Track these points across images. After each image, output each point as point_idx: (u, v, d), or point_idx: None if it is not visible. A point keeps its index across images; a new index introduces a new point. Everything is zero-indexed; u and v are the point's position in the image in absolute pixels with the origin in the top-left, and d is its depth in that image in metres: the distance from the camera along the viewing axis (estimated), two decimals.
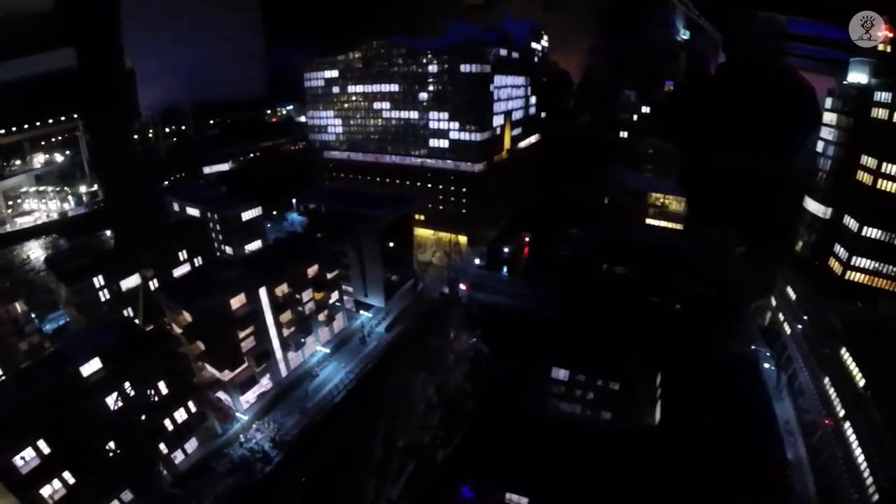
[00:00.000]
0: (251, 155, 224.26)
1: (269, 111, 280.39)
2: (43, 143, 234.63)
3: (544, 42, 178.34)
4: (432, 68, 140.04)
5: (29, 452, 69.97)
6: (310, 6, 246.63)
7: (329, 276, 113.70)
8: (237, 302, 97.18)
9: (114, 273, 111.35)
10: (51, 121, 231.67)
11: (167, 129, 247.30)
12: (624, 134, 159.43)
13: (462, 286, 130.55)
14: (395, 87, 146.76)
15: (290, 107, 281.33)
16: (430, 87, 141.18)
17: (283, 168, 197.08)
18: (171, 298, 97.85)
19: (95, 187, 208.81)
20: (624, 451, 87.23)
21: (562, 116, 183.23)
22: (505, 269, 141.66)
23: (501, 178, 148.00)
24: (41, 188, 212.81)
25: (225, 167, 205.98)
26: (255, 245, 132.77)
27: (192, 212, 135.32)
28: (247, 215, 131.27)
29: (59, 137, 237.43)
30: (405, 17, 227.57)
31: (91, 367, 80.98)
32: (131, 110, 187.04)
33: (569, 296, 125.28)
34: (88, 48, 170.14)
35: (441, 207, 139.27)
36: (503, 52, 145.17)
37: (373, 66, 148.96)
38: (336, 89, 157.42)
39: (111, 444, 79.74)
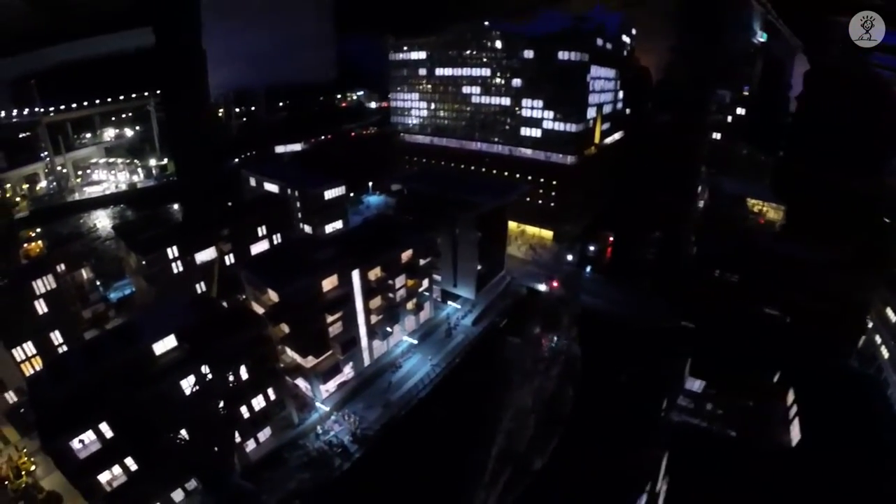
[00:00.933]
0: (322, 137, 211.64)
1: (338, 96, 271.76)
2: (113, 118, 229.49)
3: (632, 36, 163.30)
4: (528, 54, 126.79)
5: (89, 435, 61.03)
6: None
7: (422, 262, 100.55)
8: (329, 284, 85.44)
9: (189, 245, 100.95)
10: (122, 97, 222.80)
11: (237, 110, 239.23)
12: (717, 136, 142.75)
13: (554, 283, 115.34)
14: (486, 72, 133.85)
15: (361, 92, 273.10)
16: (525, 74, 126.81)
17: (356, 151, 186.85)
18: (256, 276, 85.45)
19: (165, 161, 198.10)
20: (760, 471, 74.51)
21: (643, 114, 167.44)
22: (588, 269, 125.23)
23: (590, 173, 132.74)
24: (111, 160, 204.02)
25: (297, 147, 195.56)
26: (336, 225, 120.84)
27: (271, 188, 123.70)
28: (329, 194, 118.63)
29: (129, 113, 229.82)
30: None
31: (166, 344, 69.97)
32: (204, 89, 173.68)
33: (686, 304, 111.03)
34: (168, 28, 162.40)
35: (528, 199, 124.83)
36: (599, 41, 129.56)
37: (464, 49, 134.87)
38: (423, 72, 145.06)
39: (182, 431, 69.24)
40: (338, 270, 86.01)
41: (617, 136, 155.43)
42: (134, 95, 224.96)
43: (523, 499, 77.55)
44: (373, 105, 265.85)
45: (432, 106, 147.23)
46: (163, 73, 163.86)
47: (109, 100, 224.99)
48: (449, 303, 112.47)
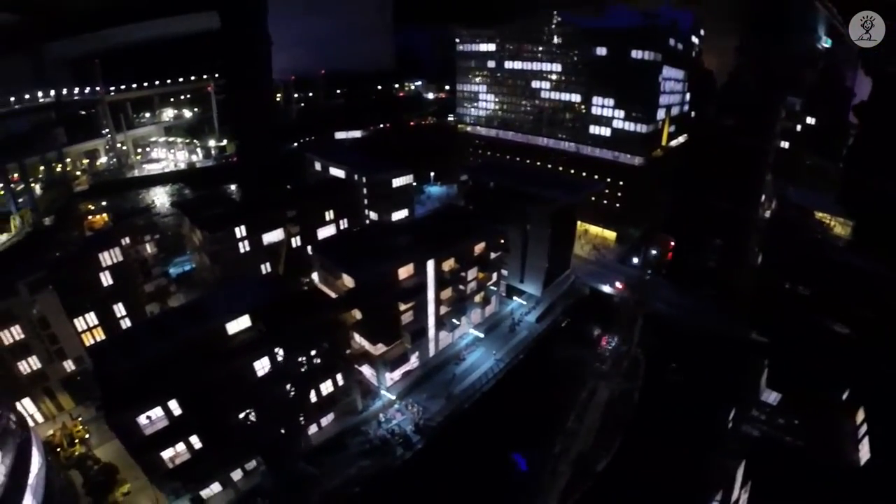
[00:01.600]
0: (381, 125, 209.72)
1: (395, 85, 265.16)
2: (171, 98, 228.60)
3: (700, 36, 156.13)
4: (601, 51, 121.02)
5: (157, 412, 59.61)
6: None
7: (493, 256, 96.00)
8: (405, 272, 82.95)
9: (258, 225, 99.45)
10: (181, 79, 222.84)
11: (296, 95, 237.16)
12: (784, 144, 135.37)
13: (619, 285, 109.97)
14: (557, 67, 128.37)
15: (418, 83, 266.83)
16: (597, 71, 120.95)
17: (416, 140, 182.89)
18: (330, 259, 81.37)
19: (224, 142, 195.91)
20: (831, 487, 69.31)
21: (707, 117, 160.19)
22: (649, 272, 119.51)
23: (654, 175, 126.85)
24: (170, 139, 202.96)
25: (357, 134, 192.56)
26: (402, 213, 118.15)
27: (337, 172, 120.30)
28: (398, 182, 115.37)
29: (187, 95, 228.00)
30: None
31: (239, 324, 67.77)
32: (268, 73, 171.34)
33: (756, 314, 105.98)
34: (235, 12, 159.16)
35: (593, 198, 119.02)
36: (672, 41, 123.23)
37: (535, 43, 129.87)
38: (492, 64, 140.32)
39: (250, 412, 67.09)
40: (414, 259, 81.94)
41: (681, 139, 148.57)
42: (193, 78, 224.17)
43: (586, 499, 74.15)
44: (430, 96, 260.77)
45: (499, 99, 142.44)
46: (228, 56, 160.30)
47: (169, 81, 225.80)
48: (515, 298, 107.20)
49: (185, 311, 72.43)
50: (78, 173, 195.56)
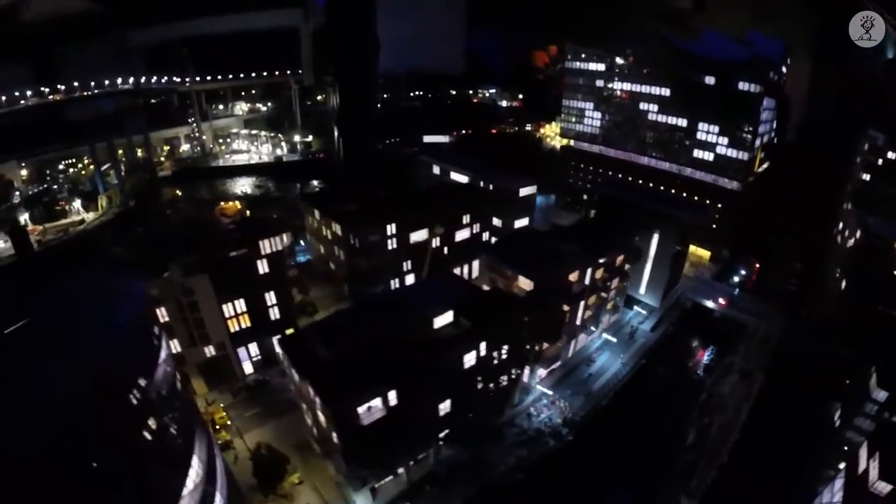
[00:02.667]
0: (464, 131, 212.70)
1: (469, 91, 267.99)
2: (243, 92, 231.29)
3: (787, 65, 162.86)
4: (709, 80, 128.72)
5: (376, 402, 61.91)
6: None
7: (627, 266, 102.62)
8: (574, 277, 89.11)
9: (407, 225, 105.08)
10: (254, 74, 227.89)
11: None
12: (866, 177, 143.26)
13: (721, 301, 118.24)
14: (665, 92, 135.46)
15: (493, 90, 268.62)
16: (704, 98, 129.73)
17: (502, 149, 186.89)
18: (504, 263, 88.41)
19: (310, 138, 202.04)
20: None
21: (788, 145, 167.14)
22: (737, 290, 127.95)
23: (748, 199, 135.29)
24: (252, 131, 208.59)
25: (445, 139, 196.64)
26: (524, 222, 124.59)
27: (459, 178, 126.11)
28: (524, 191, 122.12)
29: (260, 90, 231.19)
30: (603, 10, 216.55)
31: (444, 319, 73.27)
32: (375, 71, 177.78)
33: (849, 333, 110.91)
34: (347, 12, 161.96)
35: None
36: (771, 73, 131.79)
37: (644, 65, 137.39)
38: (600, 83, 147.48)
39: (445, 402, 72.50)
40: (583, 266, 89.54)
41: (765, 165, 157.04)
42: (265, 73, 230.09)
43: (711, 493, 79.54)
44: (504, 103, 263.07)
45: (606, 117, 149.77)
46: (339, 56, 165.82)
47: (242, 76, 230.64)
48: (636, 308, 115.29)
49: (385, 304, 77.20)
50: (162, 159, 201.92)
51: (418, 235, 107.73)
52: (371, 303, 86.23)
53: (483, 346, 73.71)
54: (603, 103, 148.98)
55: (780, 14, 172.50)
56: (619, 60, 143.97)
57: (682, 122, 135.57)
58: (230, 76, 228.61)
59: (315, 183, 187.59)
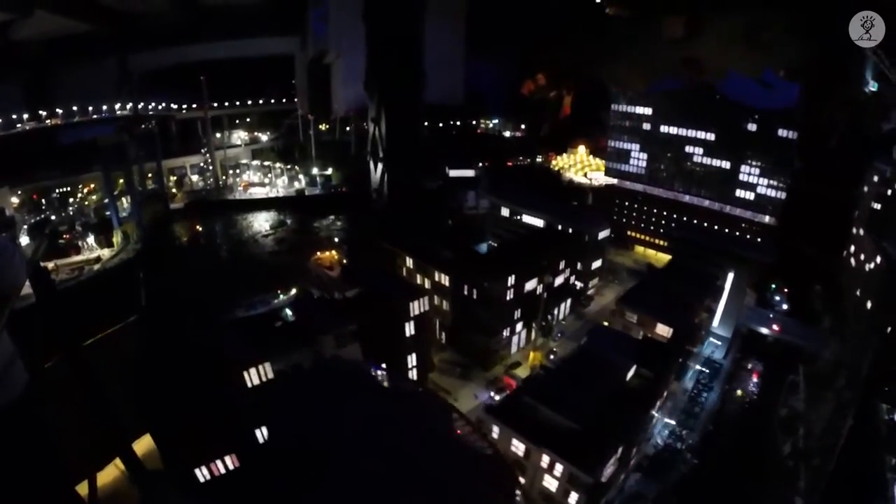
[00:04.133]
0: (480, 164, 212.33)
1: (473, 122, 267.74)
2: (237, 120, 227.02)
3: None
4: (751, 127, 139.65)
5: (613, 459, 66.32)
6: (511, 20, 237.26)
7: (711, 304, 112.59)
8: (696, 319, 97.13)
9: (524, 274, 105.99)
10: (261, 101, 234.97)
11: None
12: (877, 206, 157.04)
13: (775, 327, 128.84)
14: (710, 136, 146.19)
15: (496, 120, 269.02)
16: (747, 143, 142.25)
17: (534, 184, 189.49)
18: (641, 309, 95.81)
19: (330, 171, 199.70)
20: None
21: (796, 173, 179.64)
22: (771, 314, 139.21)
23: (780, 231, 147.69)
24: (265, 162, 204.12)
25: (470, 173, 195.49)
26: (597, 263, 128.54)
27: (532, 220, 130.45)
28: (602, 234, 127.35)
29: (249, 118, 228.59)
30: (603, 41, 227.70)
31: (631, 372, 79.72)
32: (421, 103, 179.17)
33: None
34: (393, 43, 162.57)
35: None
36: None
37: (690, 111, 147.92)
38: (647, 126, 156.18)
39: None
40: (702, 308, 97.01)
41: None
42: (284, 101, 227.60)
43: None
44: (507, 134, 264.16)
45: (651, 157, 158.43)
46: (384, 89, 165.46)
47: (261, 102, 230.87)
48: (709, 339, 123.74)
49: (580, 359, 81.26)
50: (174, 190, 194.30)
51: (531, 284, 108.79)
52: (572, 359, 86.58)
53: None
54: (648, 145, 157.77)
55: (772, 43, 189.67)
56: (666, 104, 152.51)
57: (726, 165, 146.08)
58: (233, 103, 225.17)
59: (332, 218, 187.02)
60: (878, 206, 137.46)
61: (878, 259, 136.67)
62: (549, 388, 72.13)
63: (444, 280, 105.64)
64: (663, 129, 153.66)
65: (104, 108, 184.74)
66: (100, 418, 51.60)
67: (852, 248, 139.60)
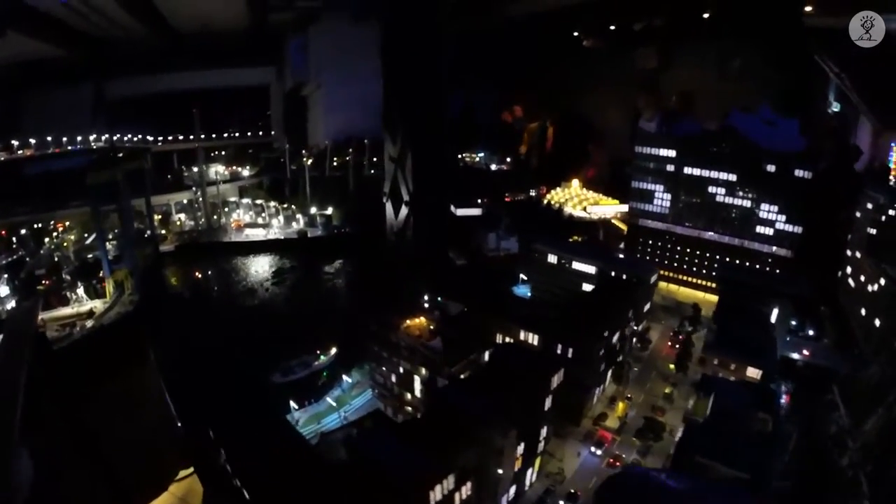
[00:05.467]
0: (479, 200, 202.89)
1: (459, 155, 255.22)
2: (213, 153, 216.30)
3: None
4: (770, 168, 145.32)
5: None
6: (488, 56, 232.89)
7: None
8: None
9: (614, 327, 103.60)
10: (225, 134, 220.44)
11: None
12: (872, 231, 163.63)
13: (805, 352, 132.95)
14: (732, 177, 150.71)
15: (482, 153, 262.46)
16: (766, 182, 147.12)
17: (540, 221, 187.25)
18: (732, 354, 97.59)
19: (330, 210, 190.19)
20: None
21: None
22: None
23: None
24: (257, 201, 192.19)
25: (477, 212, 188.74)
26: (648, 306, 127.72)
27: (583, 267, 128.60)
28: (654, 279, 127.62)
29: (224, 151, 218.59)
30: (580, 75, 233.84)
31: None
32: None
33: None
34: (417, 79, 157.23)
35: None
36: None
37: (712, 153, 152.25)
38: (671, 167, 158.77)
39: None
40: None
41: None
42: (237, 134, 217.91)
43: None
44: (493, 167, 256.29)
45: (675, 198, 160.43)
46: (411, 126, 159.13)
47: (238, 134, 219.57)
48: None
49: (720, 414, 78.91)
50: (162, 231, 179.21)
51: (616, 337, 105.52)
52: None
53: None
54: (672, 185, 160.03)
55: (743, 71, 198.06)
56: (689, 146, 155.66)
57: (747, 203, 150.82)
58: (208, 136, 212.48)
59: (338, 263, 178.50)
60: (874, 231, 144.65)
61: (882, 281, 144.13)
62: (714, 444, 70.04)
63: (532, 339, 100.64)
64: (687, 170, 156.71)
65: (79, 138, 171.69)
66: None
67: (849, 270, 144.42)
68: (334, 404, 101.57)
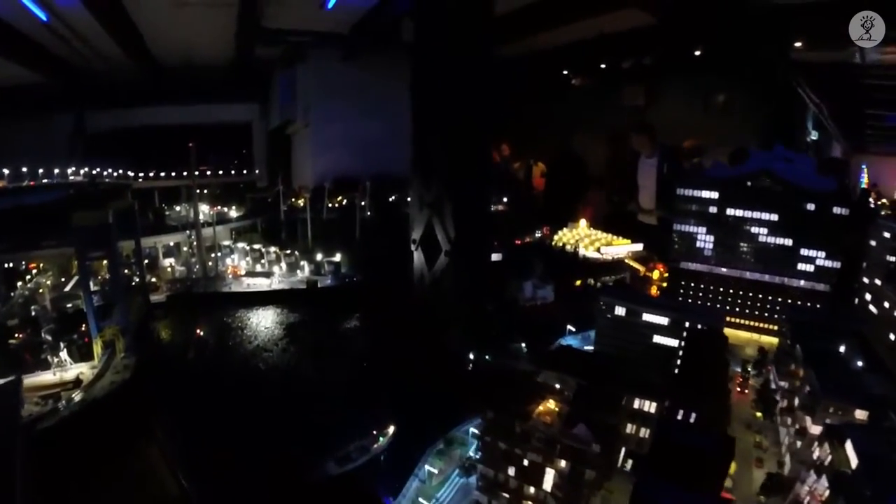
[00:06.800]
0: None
1: None
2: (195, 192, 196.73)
3: None
4: (810, 206, 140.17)
5: None
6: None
7: None
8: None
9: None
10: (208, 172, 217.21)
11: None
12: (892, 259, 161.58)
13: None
14: (774, 217, 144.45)
15: None
16: (806, 221, 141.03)
17: (559, 266, 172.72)
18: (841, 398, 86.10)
19: (338, 257, 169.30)
20: None
21: None
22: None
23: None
24: (254, 245, 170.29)
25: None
26: None
27: (655, 319, 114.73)
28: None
29: (206, 190, 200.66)
30: (566, 113, 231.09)
31: None
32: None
33: None
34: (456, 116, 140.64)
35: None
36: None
37: (754, 193, 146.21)
38: (713, 209, 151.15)
39: None
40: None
41: None
42: (245, 171, 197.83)
43: None
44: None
45: (716, 238, 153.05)
46: (448, 165, 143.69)
47: (221, 172, 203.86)
48: None
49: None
50: (154, 279, 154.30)
51: None
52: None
53: None
54: (714, 226, 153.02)
55: (728, 107, 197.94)
56: (731, 187, 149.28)
57: (788, 242, 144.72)
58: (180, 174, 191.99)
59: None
60: (893, 258, 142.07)
61: None
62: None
63: (649, 407, 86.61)
64: (729, 211, 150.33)
65: (56, 171, 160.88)
66: None
67: (868, 297, 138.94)
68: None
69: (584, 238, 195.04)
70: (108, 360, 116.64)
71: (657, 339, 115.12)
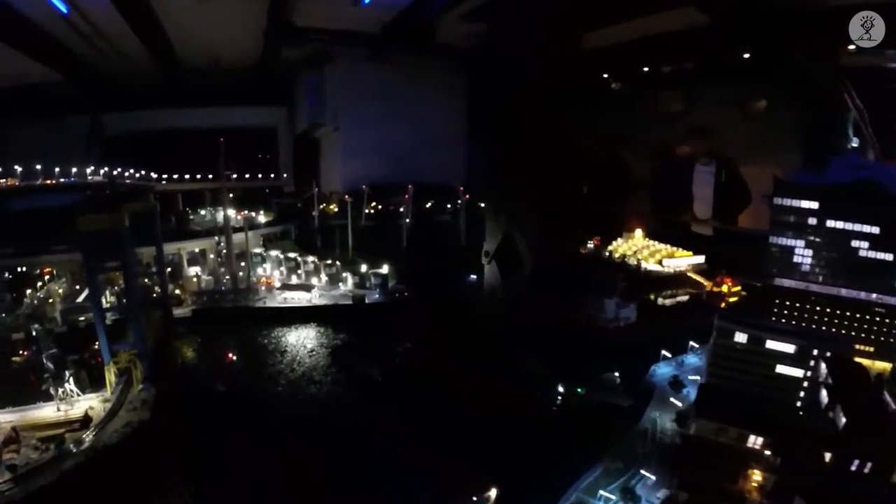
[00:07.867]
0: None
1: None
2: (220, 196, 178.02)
3: None
4: None
5: None
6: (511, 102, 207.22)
7: None
8: None
9: None
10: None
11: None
12: None
13: None
14: (875, 230, 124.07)
15: None
16: None
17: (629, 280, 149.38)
18: None
19: (385, 268, 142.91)
20: None
21: None
22: None
23: None
24: (289, 254, 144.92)
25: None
26: None
27: (779, 346, 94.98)
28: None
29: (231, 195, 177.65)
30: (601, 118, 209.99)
31: None
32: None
33: None
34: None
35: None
36: None
37: (855, 204, 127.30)
38: (813, 220, 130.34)
39: None
40: None
41: None
42: (272, 175, 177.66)
43: None
44: None
45: (815, 253, 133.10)
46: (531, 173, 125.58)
47: (248, 176, 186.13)
48: None
49: None
50: (177, 291, 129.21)
51: None
52: None
53: None
54: (813, 239, 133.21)
55: (769, 113, 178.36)
56: (834, 198, 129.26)
57: (889, 257, 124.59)
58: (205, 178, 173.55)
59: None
60: None
61: None
62: None
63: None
64: (830, 223, 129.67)
65: (73, 170, 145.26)
66: None
67: None
68: None
69: (642, 249, 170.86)
70: (122, 392, 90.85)
71: (780, 368, 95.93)
